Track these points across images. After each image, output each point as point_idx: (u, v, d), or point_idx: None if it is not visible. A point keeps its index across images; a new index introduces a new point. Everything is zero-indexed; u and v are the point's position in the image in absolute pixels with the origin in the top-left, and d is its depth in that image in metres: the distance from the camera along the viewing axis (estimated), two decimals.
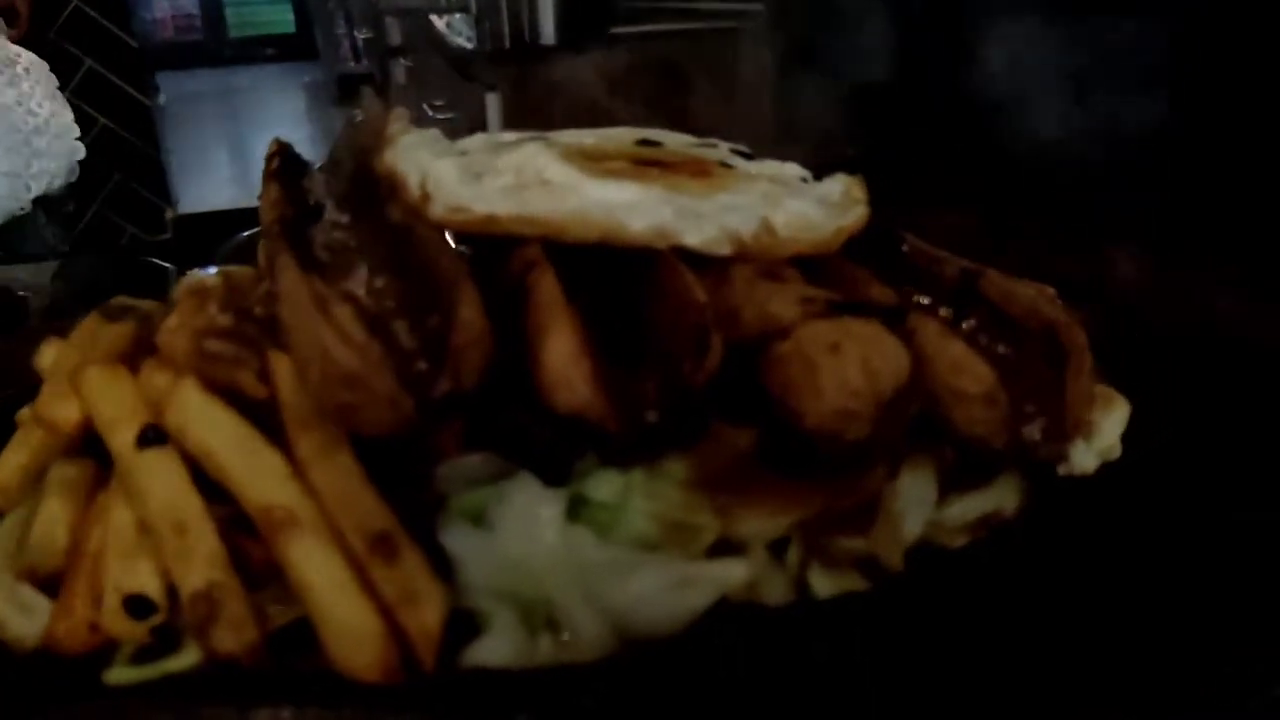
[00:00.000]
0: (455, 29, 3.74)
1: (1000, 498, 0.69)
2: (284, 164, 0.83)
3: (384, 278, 0.62)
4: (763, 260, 0.70)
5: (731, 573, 0.61)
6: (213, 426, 0.64)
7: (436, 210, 0.67)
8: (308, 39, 7.65)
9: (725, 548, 0.63)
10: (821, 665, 0.59)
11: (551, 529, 0.60)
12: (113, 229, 3.80)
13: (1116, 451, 0.71)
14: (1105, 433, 0.70)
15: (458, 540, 0.61)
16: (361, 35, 5.64)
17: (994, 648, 0.62)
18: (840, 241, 0.74)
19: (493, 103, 3.31)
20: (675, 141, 0.89)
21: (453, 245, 0.65)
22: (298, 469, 0.62)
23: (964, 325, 0.69)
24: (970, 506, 0.68)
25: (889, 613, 0.63)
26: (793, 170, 0.86)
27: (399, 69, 4.91)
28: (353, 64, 6.59)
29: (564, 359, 0.59)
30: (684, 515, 0.62)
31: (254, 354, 0.68)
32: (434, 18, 3.88)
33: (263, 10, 8.09)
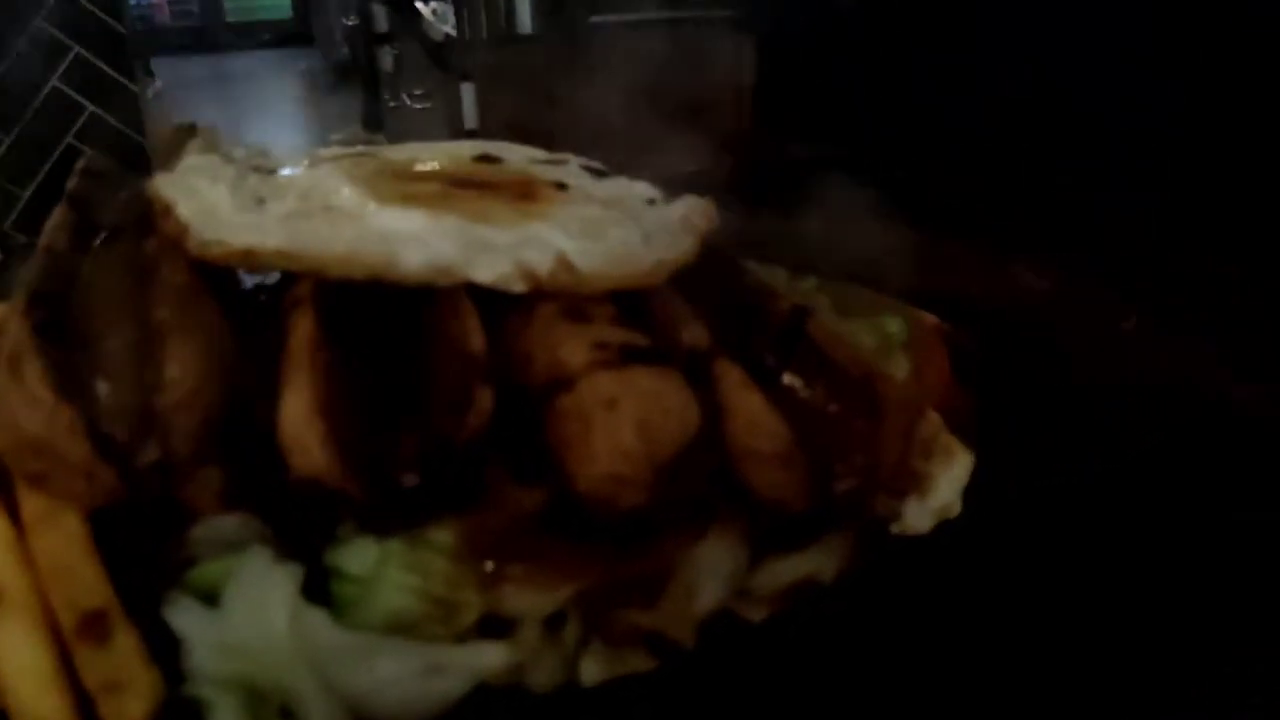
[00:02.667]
0: (441, 16, 3.68)
1: (818, 561, 0.62)
2: (87, 183, 0.77)
3: (108, 328, 0.56)
4: (571, 297, 0.64)
5: (487, 658, 0.55)
6: None
7: (192, 242, 0.61)
8: (305, 25, 7.58)
9: (496, 625, 0.57)
10: None
11: (281, 609, 0.53)
12: None
13: (956, 509, 0.64)
14: (942, 489, 0.63)
15: (184, 619, 0.54)
16: (349, 22, 5.57)
17: None
18: (661, 276, 0.67)
19: (468, 92, 3.26)
20: (519, 157, 0.82)
21: (181, 288, 0.58)
22: (21, 536, 0.56)
23: (784, 372, 0.62)
24: (782, 572, 0.62)
25: (671, 697, 0.57)
26: (641, 191, 0.79)
27: (385, 57, 4.85)
28: (347, 50, 6.51)
29: (297, 419, 0.53)
30: (446, 590, 0.56)
31: None
32: (420, 4, 3.81)
33: None
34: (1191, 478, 0.77)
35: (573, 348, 0.59)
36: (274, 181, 0.69)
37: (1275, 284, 1.00)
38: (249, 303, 0.68)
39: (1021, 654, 0.61)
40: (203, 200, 0.64)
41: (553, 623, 0.58)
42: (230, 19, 8.13)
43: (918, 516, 0.63)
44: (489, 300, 0.62)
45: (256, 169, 0.74)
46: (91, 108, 3.86)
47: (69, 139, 3.88)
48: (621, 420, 0.55)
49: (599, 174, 0.82)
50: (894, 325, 0.78)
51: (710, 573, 0.59)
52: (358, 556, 0.56)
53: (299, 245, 0.60)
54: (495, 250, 0.63)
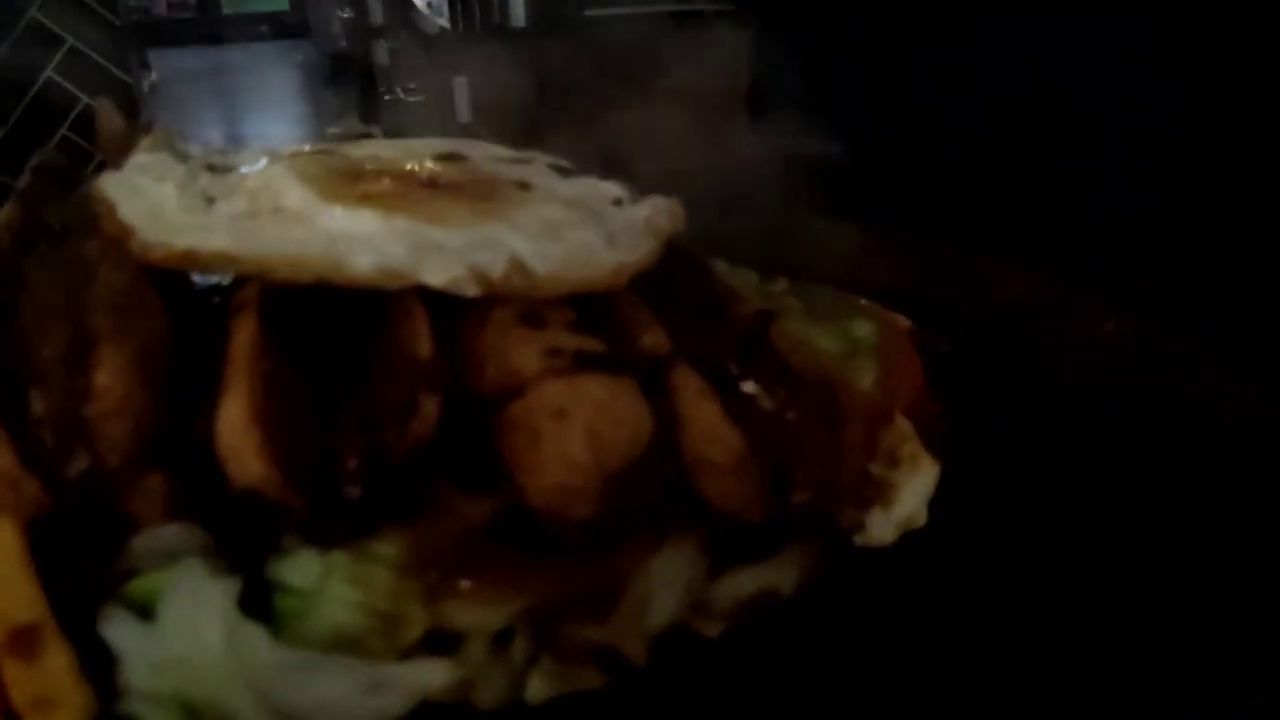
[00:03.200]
0: (436, 9, 3.66)
1: (777, 573, 0.61)
2: (39, 181, 0.75)
3: (45, 333, 0.54)
4: (527, 301, 0.62)
5: (430, 675, 0.54)
6: None
7: (134, 244, 0.59)
8: (302, 16, 7.54)
9: (442, 640, 0.55)
10: None
11: (216, 625, 0.52)
12: None
13: (921, 519, 0.62)
14: (906, 499, 0.62)
15: (119, 633, 0.53)
16: (344, 14, 5.54)
17: None
18: (622, 279, 0.65)
19: (460, 86, 3.25)
20: (484, 155, 0.81)
21: (118, 292, 0.56)
22: None
23: (745, 379, 0.61)
24: (740, 584, 0.60)
25: (621, 715, 0.55)
26: (608, 191, 0.77)
27: (380, 50, 4.83)
28: (344, 43, 6.48)
29: (233, 428, 0.52)
30: (390, 604, 0.54)
31: None
32: None
33: None
34: (1188, 478, 0.76)
35: (525, 354, 0.58)
36: (226, 181, 0.68)
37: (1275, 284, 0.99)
38: (202, 305, 0.66)
39: (1014, 658, 0.60)
40: (147, 200, 0.62)
41: (500, 638, 0.56)
42: (227, 10, 8.10)
43: (881, 527, 0.61)
44: (447, 304, 0.61)
45: (211, 167, 0.73)
46: (86, 100, 3.84)
47: (64, 131, 3.86)
48: (571, 430, 0.53)
49: (566, 172, 0.80)
50: (863, 329, 0.77)
51: (665, 585, 0.58)
52: (300, 569, 0.54)
53: (243, 247, 0.58)
54: (447, 252, 0.61)
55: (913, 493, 0.62)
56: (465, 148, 0.81)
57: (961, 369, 0.84)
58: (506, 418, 0.56)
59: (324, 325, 0.59)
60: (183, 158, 0.72)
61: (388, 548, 0.55)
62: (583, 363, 0.57)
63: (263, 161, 0.74)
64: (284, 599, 0.54)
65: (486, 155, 0.81)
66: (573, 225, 0.68)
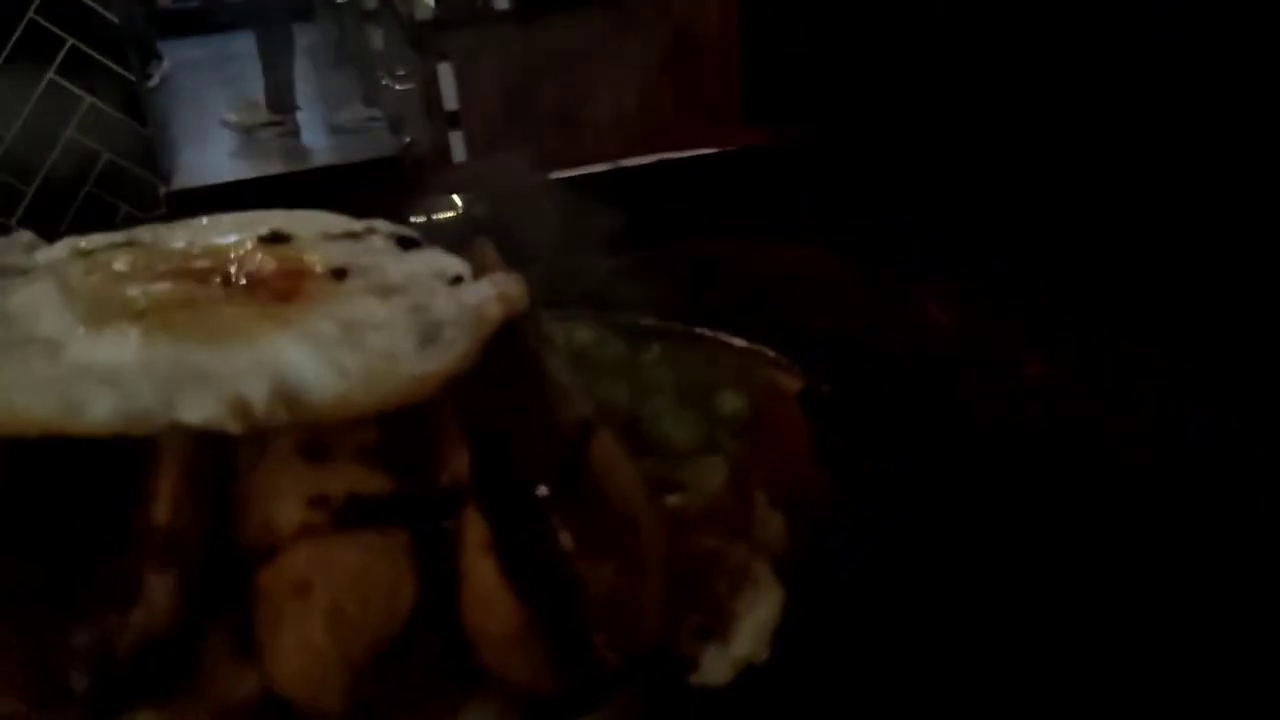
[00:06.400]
0: None
1: None
2: None
3: None
4: (312, 427, 0.55)
5: None
6: None
7: None
8: (305, 3, 7.47)
9: None
10: None
11: None
12: (107, 208, 3.73)
13: (762, 654, 0.55)
14: (745, 634, 0.54)
15: None
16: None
17: None
18: (427, 390, 0.58)
19: (445, 73, 3.18)
20: (317, 230, 0.73)
21: None
22: None
23: (552, 511, 0.53)
24: None
25: None
26: (447, 267, 0.69)
27: (375, 35, 4.79)
28: (341, 29, 6.43)
29: None
30: None
31: None
32: None
33: None
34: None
35: (287, 505, 0.51)
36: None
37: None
38: None
39: None
40: None
41: None
42: None
43: (716, 666, 0.54)
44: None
45: (3, 272, 0.66)
46: (90, 99, 3.81)
47: (70, 131, 3.83)
48: (311, 610, 0.47)
49: (407, 245, 0.73)
50: (733, 404, 0.69)
51: None
52: None
53: None
54: (209, 383, 0.54)
55: (753, 627, 0.55)
56: (298, 223, 0.74)
57: (854, 429, 0.77)
58: (256, 586, 0.49)
59: (67, 484, 0.52)
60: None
61: None
62: (349, 515, 0.50)
63: (60, 259, 0.68)
64: None
65: (319, 230, 0.73)
66: (380, 325, 0.61)
